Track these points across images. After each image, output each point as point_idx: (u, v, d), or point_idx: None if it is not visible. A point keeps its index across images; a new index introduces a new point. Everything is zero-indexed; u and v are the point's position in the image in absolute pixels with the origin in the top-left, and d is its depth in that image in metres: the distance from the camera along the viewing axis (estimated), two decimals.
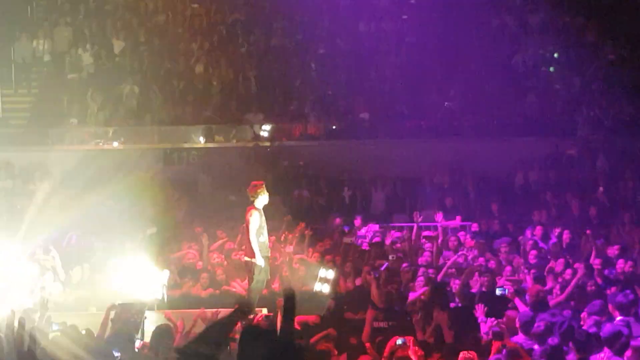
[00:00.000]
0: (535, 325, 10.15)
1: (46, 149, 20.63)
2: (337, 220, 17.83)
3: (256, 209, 12.91)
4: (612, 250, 14.49)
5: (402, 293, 12.98)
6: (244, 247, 13.40)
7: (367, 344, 10.63)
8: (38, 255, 14.79)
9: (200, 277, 14.81)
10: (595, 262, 13.67)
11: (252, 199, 13.00)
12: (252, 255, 12.80)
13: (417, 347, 9.75)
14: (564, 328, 9.74)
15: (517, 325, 10.59)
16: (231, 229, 16.46)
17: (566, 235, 15.74)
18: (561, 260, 14.12)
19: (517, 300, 11.89)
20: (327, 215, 18.80)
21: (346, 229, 17.29)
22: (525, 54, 22.92)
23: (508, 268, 14.39)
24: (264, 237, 12.96)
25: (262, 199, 12.98)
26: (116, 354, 9.24)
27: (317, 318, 11.75)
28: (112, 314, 11.21)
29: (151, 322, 12.08)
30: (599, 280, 13.05)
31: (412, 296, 12.85)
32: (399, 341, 9.74)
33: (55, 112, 22.30)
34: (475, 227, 17.27)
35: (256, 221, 12.80)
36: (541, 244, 15.68)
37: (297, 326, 11.18)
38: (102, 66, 23.00)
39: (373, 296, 12.37)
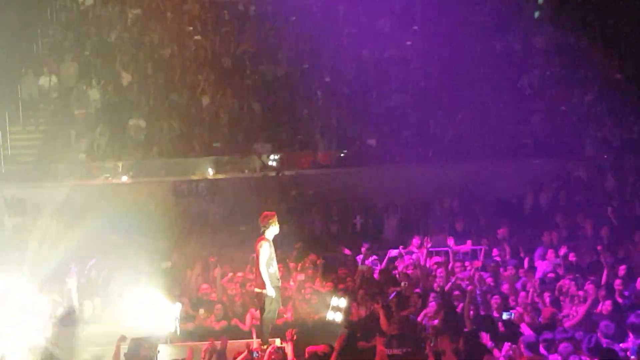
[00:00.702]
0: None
1: (55, 185, 20.59)
2: (347, 251, 17.86)
3: (266, 239, 12.99)
4: (621, 270, 14.49)
5: (415, 319, 13.08)
6: (254, 278, 13.48)
7: None
8: (49, 289, 14.92)
9: (214, 308, 14.92)
10: (616, 283, 13.53)
11: (263, 229, 13.08)
12: (263, 286, 12.88)
13: None
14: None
15: (522, 348, 10.66)
16: (241, 260, 16.44)
17: (572, 256, 15.78)
18: (573, 282, 14.16)
19: (523, 325, 11.94)
20: (339, 243, 18.73)
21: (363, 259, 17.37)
22: (531, 75, 23.03)
23: (521, 292, 14.22)
24: (274, 268, 13.02)
25: (273, 229, 13.07)
26: None
27: (326, 347, 11.69)
28: (124, 349, 11.27)
29: (164, 355, 12.15)
30: (620, 300, 12.93)
31: (420, 318, 13.00)
32: None
33: (64, 147, 22.36)
34: (485, 251, 17.31)
35: (266, 252, 12.87)
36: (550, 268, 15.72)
37: (306, 356, 11.41)
38: (109, 100, 23.12)
39: (382, 325, 12.46)
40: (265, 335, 13.10)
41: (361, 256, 16.72)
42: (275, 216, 13.13)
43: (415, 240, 17.21)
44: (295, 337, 11.84)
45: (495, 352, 10.87)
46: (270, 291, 12.87)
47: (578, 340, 10.81)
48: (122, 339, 11.46)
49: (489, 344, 11.00)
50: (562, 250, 15.57)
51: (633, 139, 20.86)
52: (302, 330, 12.40)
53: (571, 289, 13.73)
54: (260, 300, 13.14)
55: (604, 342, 10.51)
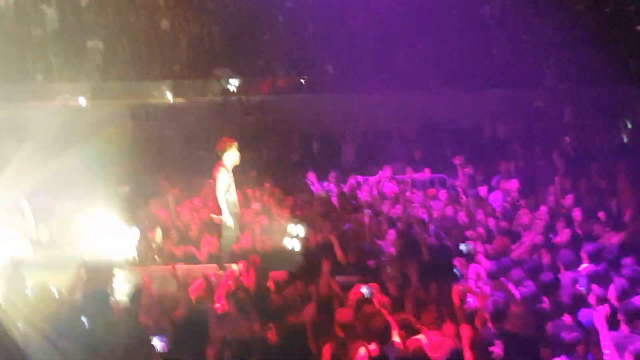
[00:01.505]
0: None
1: (10, 106, 20.19)
2: (312, 177, 17.84)
3: (224, 166, 12.85)
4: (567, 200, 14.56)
5: (371, 248, 13.11)
6: (211, 205, 13.35)
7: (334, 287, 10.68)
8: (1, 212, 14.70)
9: (169, 233, 14.71)
10: (576, 214, 13.51)
11: (220, 155, 12.93)
12: (220, 213, 12.79)
13: (382, 295, 9.89)
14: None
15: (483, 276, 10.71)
16: (199, 185, 16.41)
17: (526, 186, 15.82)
18: (526, 211, 14.25)
19: (480, 257, 11.96)
20: (299, 170, 18.75)
21: (317, 184, 17.34)
22: (492, 4, 22.83)
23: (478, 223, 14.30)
24: (232, 196, 12.92)
25: (231, 156, 12.91)
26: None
27: (286, 274, 11.70)
28: (82, 274, 11.16)
29: (121, 280, 11.97)
30: (579, 232, 12.91)
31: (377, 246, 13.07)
32: (364, 289, 9.74)
33: (19, 68, 21.88)
34: (444, 179, 17.38)
35: (223, 179, 12.76)
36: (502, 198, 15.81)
37: (270, 282, 11.37)
38: (66, 21, 22.43)
39: (337, 254, 12.41)
40: (222, 261, 13.05)
41: (322, 184, 16.70)
42: (235, 144, 12.96)
43: (381, 171, 17.31)
44: (257, 263, 11.77)
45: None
46: (227, 219, 12.78)
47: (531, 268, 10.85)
48: (81, 264, 11.31)
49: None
50: (515, 182, 15.71)
51: (592, 70, 20.85)
52: (260, 257, 12.19)
53: (525, 218, 13.83)
54: (218, 227, 13.07)
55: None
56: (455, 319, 9.23)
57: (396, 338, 8.77)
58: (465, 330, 8.51)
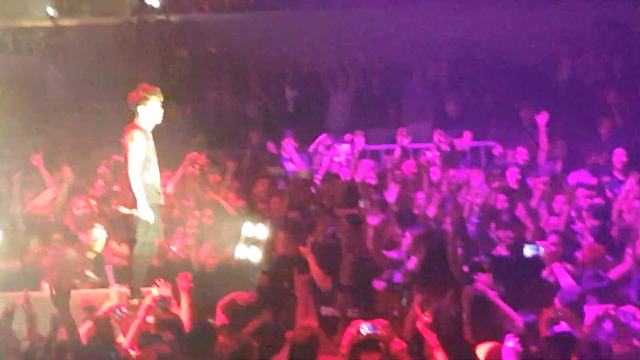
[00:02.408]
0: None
1: None
2: (290, 142, 17.85)
3: (140, 128, 12.51)
4: None
5: (377, 263, 12.93)
6: (119, 190, 13.15)
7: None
8: None
9: (51, 238, 14.48)
10: None
11: (134, 111, 12.66)
12: (134, 203, 12.50)
13: (395, 338, 9.60)
14: None
15: (557, 305, 10.53)
16: (97, 158, 16.74)
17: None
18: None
19: (556, 267, 11.83)
20: (259, 134, 18.85)
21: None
22: None
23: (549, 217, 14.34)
24: (153, 175, 12.62)
25: (151, 112, 12.50)
26: None
27: (251, 296, 11.83)
28: None
29: None
30: None
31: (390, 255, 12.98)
32: (365, 328, 9.49)
33: None
34: (498, 150, 17.47)
35: (140, 148, 12.39)
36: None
37: (221, 311, 11.54)
38: None
39: (315, 275, 12.18)
40: (137, 282, 12.70)
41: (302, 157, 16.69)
42: (157, 93, 12.67)
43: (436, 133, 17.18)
44: (190, 285, 11.65)
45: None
46: (144, 212, 12.48)
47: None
48: None
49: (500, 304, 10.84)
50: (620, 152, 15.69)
51: None
52: (197, 277, 12.15)
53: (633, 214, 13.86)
54: (129, 227, 12.67)
55: None
56: None
57: None
58: None
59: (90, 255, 13.93)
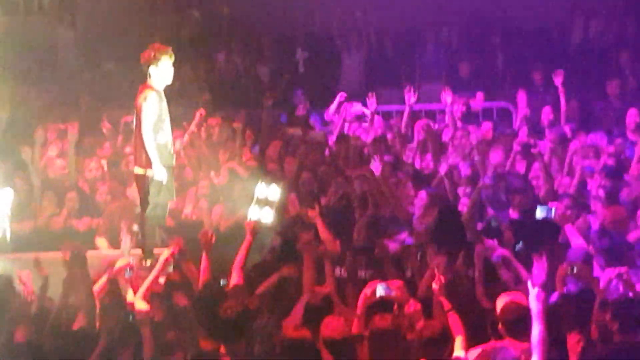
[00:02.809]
0: None
1: None
2: (301, 110, 17.86)
3: (153, 89, 12.55)
4: None
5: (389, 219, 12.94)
6: (132, 151, 13.27)
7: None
8: None
9: (66, 198, 14.70)
10: None
11: (145, 70, 12.68)
12: (147, 164, 12.54)
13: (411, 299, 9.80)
14: None
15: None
16: (109, 120, 16.87)
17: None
18: None
19: (568, 229, 11.77)
20: (272, 94, 18.55)
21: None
22: None
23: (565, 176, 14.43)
24: (166, 136, 12.66)
25: (163, 72, 12.57)
26: None
27: (256, 265, 12.00)
28: None
29: None
30: None
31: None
32: (380, 290, 9.67)
33: None
34: (507, 111, 17.38)
35: (153, 109, 12.46)
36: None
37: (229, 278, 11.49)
38: None
39: (323, 237, 12.30)
40: (150, 242, 12.85)
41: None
42: (168, 51, 12.67)
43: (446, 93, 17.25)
44: (212, 241, 11.70)
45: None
46: (158, 172, 12.53)
47: None
48: None
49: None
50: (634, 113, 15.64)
51: None
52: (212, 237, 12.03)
53: None
54: (141, 188, 12.80)
55: None
56: None
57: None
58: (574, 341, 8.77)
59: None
